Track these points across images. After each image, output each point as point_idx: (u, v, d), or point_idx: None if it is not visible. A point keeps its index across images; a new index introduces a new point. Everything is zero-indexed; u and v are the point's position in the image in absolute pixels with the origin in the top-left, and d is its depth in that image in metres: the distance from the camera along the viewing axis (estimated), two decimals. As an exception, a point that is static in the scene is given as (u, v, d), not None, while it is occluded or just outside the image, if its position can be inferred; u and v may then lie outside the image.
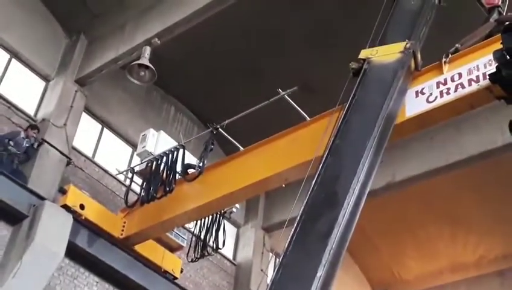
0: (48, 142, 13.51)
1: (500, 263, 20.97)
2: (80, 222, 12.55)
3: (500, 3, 9.23)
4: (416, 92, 9.29)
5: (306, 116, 11.22)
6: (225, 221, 14.40)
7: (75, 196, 12.98)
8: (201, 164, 12.44)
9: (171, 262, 14.36)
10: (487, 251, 21.06)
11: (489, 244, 20.86)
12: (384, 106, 7.76)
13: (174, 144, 13.33)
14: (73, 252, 12.28)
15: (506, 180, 17.88)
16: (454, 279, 21.82)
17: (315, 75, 14.09)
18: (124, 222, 13.41)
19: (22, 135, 13.06)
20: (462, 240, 20.97)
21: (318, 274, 5.84)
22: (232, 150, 12.98)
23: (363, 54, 8.67)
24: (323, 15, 14.66)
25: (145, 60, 12.76)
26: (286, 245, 6.30)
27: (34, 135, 13.17)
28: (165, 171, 12.78)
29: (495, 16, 9.15)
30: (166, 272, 14.12)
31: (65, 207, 12.51)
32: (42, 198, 12.11)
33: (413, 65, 8.94)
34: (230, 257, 18.00)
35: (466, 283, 21.58)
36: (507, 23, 7.80)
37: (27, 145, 12.99)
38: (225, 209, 13.72)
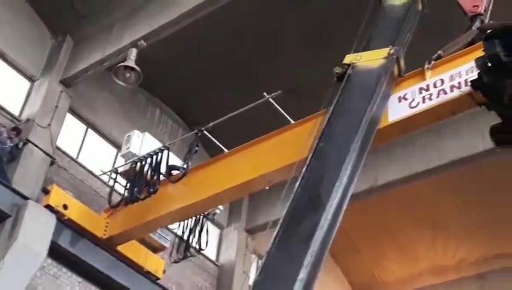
0: (31, 142, 13.47)
1: (480, 266, 21.11)
2: (63, 222, 12.49)
3: (482, 11, 9.30)
4: (399, 98, 9.33)
5: (290, 119, 11.26)
6: (208, 222, 14.41)
7: (58, 196, 12.97)
8: (185, 166, 12.45)
9: (154, 263, 14.32)
10: (467, 254, 21.20)
11: (469, 247, 21.00)
12: (367, 110, 7.78)
13: (159, 145, 13.35)
14: (55, 252, 12.20)
15: (486, 185, 18.04)
16: (434, 282, 21.94)
17: (306, 77, 14.07)
18: (107, 223, 13.37)
19: (5, 134, 13.05)
20: (442, 243, 21.10)
21: (300, 276, 5.85)
22: (216, 152, 12.97)
23: (348, 59, 8.70)
24: (317, 15, 14.71)
25: (131, 62, 12.76)
26: (269, 247, 6.31)
27: (12, 136, 13.14)
28: (149, 172, 12.80)
29: (477, 24, 9.21)
30: (149, 272, 14.08)
31: (48, 207, 12.47)
32: (25, 198, 12.05)
33: (396, 71, 8.97)
34: (213, 258, 17.98)
35: (446, 286, 21.73)
36: (489, 31, 7.86)
37: (11, 145, 12.98)
38: (208, 211, 13.74)
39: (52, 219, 12.09)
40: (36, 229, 11.65)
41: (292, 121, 11.17)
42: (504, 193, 18.21)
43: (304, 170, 7.03)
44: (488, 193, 18.46)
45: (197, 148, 12.88)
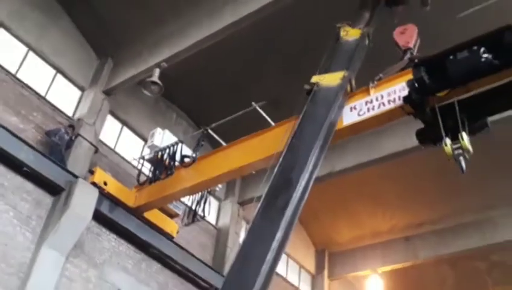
0: (81, 136, 13.48)
1: (406, 230, 21.23)
2: (103, 194, 12.49)
3: (412, 46, 9.37)
4: (351, 108, 9.37)
5: (272, 122, 11.29)
6: (210, 197, 14.45)
7: (100, 176, 12.94)
8: (194, 155, 12.48)
9: (170, 226, 14.31)
10: (397, 222, 21.32)
11: (399, 217, 21.14)
12: (328, 116, 7.84)
13: (175, 139, 13.33)
14: (98, 217, 12.23)
15: (414, 172, 18.14)
16: (373, 242, 22.05)
17: (283, 91, 14.05)
18: (136, 196, 13.35)
19: (63, 130, 13.06)
20: (380, 214, 21.21)
21: (277, 236, 5.92)
22: (217, 145, 13.00)
23: (314, 79, 8.74)
24: (292, 48, 14.81)
25: (155, 78, 12.77)
26: (254, 215, 6.37)
27: (69, 132, 13.25)
28: (167, 160, 12.82)
29: (408, 55, 9.29)
30: (166, 233, 14.08)
31: (93, 183, 12.46)
32: (76, 176, 12.03)
33: (349, 88, 9.03)
34: (214, 223, 17.96)
35: (381, 245, 21.84)
36: (416, 61, 7.94)
37: (67, 138, 13.04)
38: (210, 188, 13.77)
39: (95, 192, 12.08)
40: (83, 199, 11.67)
41: (273, 124, 11.21)
42: (426, 178, 18.33)
43: (280, 159, 7.08)
44: (415, 177, 18.56)
45: (203, 142, 12.94)
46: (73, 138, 13.32)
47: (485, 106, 7.28)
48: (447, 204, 19.60)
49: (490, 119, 7.36)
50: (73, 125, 13.65)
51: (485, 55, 6.77)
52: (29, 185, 11.31)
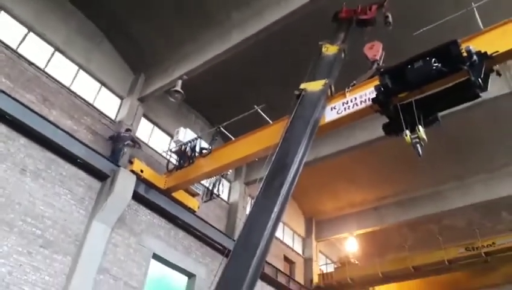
0: (137, 138, 13.67)
1: (375, 202, 21.23)
2: (140, 179, 12.46)
3: (378, 58, 9.28)
4: (331, 108, 9.35)
5: (270, 121, 11.24)
6: (223, 179, 14.43)
7: (137, 165, 12.91)
8: (210, 147, 12.45)
9: (192, 202, 14.29)
10: (368, 195, 21.28)
11: (369, 192, 21.12)
12: (313, 115, 7.77)
13: (195, 136, 13.31)
14: (136, 197, 12.23)
15: (382, 157, 18.13)
16: (349, 211, 22.04)
17: (279, 97, 13.96)
18: (166, 180, 13.31)
19: (123, 132, 13.05)
20: (355, 190, 21.20)
21: (275, 209, 5.89)
22: (228, 140, 12.94)
23: (302, 85, 8.63)
24: (283, 66, 14.73)
25: (178, 88, 12.67)
26: (257, 193, 6.34)
27: (127, 134, 13.17)
28: (189, 152, 12.78)
29: (375, 65, 9.21)
30: (189, 207, 14.08)
31: (132, 171, 12.43)
32: (119, 166, 12.03)
33: (329, 93, 8.93)
34: (226, 199, 17.97)
35: (356, 214, 21.82)
36: (382, 70, 7.87)
37: (128, 138, 13.16)
38: (223, 173, 13.75)
39: (133, 178, 12.06)
40: (125, 183, 11.65)
41: (270, 122, 11.15)
42: (390, 161, 18.32)
43: (277, 149, 7.03)
44: (381, 161, 18.56)
45: (216, 138, 12.90)
46: (134, 139, 13.36)
47: (436, 104, 7.22)
48: (406, 181, 19.58)
49: (441, 114, 7.30)
50: (130, 129, 13.52)
51: (436, 64, 6.73)
52: (82, 174, 11.31)
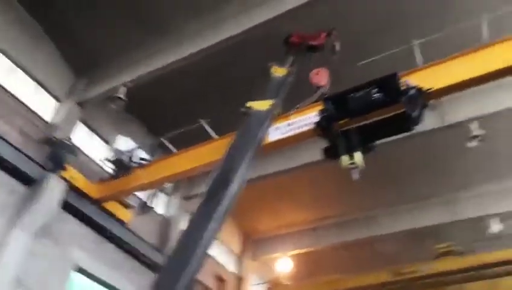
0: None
1: (315, 223, 21.53)
2: (71, 187, 11.99)
3: (323, 84, 9.55)
4: (276, 128, 9.51)
5: (214, 135, 11.18)
6: (161, 192, 14.12)
7: (70, 172, 12.29)
8: (150, 159, 12.18)
9: (124, 214, 13.76)
10: (307, 216, 21.54)
11: (308, 213, 21.43)
12: (258, 134, 7.82)
13: (134, 145, 12.98)
14: (65, 205, 11.74)
15: (322, 178, 18.44)
16: (287, 231, 22.20)
17: (223, 112, 13.96)
18: (99, 189, 12.79)
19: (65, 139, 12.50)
20: (294, 209, 21.40)
21: (211, 227, 5.78)
22: (169, 152, 12.69)
23: (249, 104, 8.63)
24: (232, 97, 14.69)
25: (121, 94, 12.33)
26: (196, 208, 6.24)
27: (68, 142, 12.53)
28: (127, 161, 12.41)
29: (320, 91, 9.48)
30: (120, 219, 13.56)
31: (63, 178, 11.80)
32: (54, 171, 11.61)
33: (275, 113, 9.08)
34: (163, 213, 17.51)
35: (295, 234, 22.02)
36: (326, 96, 8.17)
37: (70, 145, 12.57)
38: (161, 186, 13.46)
39: (63, 185, 11.59)
40: (53, 190, 11.24)
41: (216, 137, 11.12)
42: (330, 183, 18.64)
43: (220, 164, 6.98)
44: (321, 182, 18.90)
45: (157, 149, 12.69)
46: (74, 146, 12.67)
47: (375, 132, 7.59)
48: (346, 203, 20.06)
49: (383, 141, 7.65)
50: (69, 137, 12.91)
51: (376, 95, 7.10)
52: (6, 177, 10.65)
